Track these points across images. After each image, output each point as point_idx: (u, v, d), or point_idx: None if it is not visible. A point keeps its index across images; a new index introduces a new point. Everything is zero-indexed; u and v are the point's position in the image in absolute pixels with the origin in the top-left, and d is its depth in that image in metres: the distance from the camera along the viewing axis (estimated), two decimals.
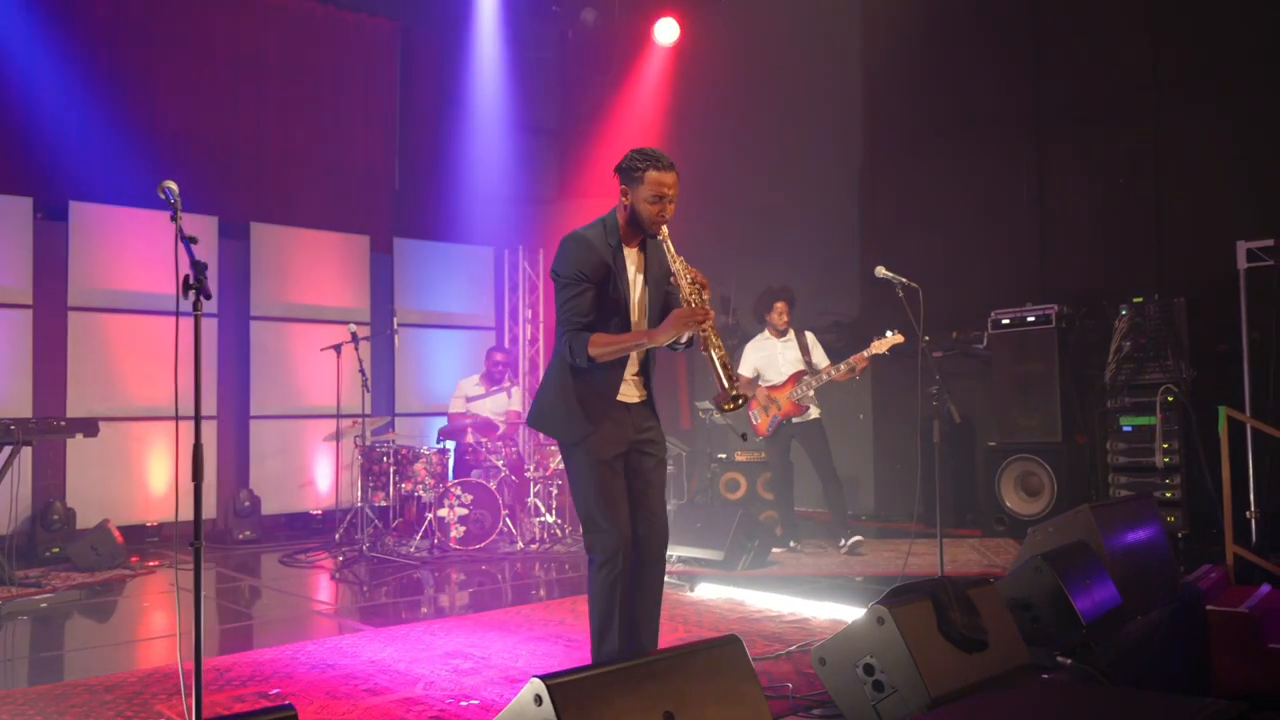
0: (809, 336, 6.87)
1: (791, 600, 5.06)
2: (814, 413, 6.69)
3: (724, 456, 7.55)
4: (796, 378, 6.67)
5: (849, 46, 9.11)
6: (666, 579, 5.90)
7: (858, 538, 6.56)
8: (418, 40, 9.11)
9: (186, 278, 2.70)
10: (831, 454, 6.71)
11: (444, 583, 6.25)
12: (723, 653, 2.39)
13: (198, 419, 2.79)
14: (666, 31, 8.97)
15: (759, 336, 6.93)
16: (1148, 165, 7.30)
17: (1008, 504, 7.25)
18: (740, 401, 3.22)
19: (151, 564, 6.80)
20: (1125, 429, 6.67)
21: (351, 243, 8.79)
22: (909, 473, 8.30)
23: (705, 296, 3.21)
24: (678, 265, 3.23)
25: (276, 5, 8.58)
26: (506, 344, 9.91)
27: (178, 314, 2.76)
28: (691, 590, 5.52)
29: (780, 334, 6.80)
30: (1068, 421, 7.14)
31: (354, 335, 6.66)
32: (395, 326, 7.58)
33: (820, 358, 6.75)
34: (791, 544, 6.74)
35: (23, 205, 7.16)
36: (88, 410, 7.20)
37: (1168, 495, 6.39)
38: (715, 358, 3.19)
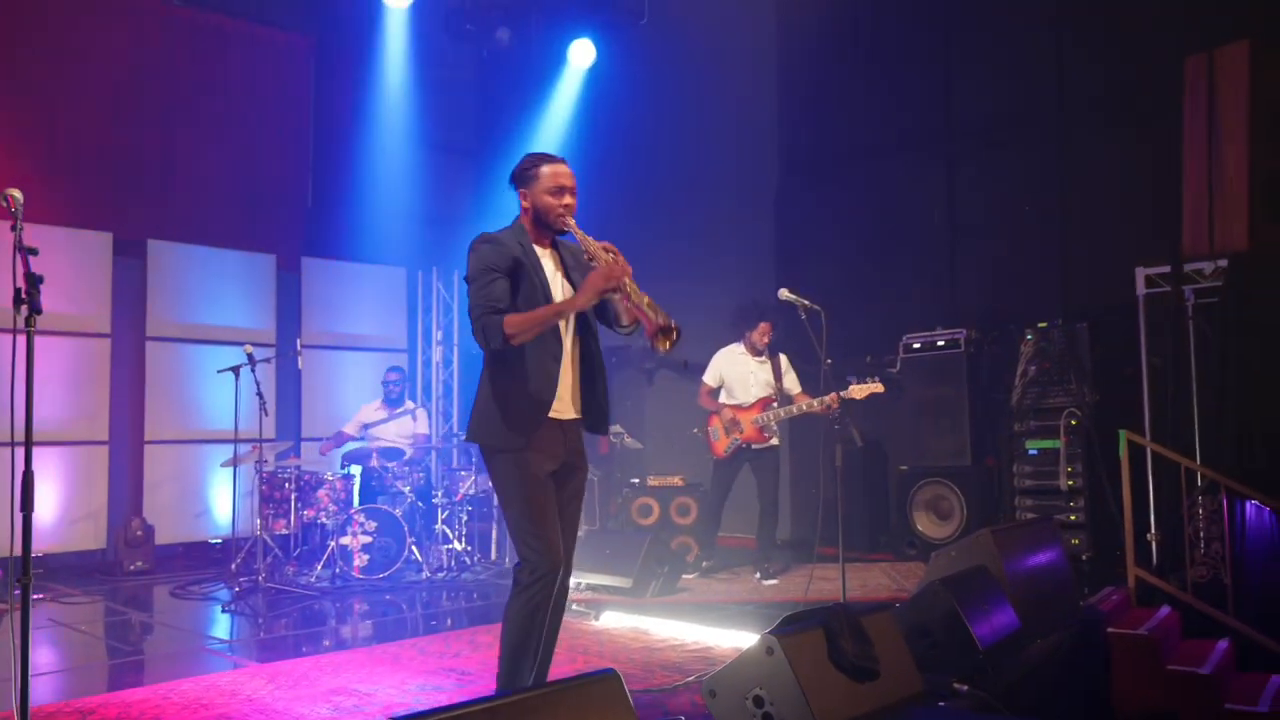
0: (783, 360, 6.63)
1: (696, 629, 4.96)
2: (774, 440, 6.53)
3: (636, 481, 7.44)
4: (764, 403, 6.48)
5: (763, 69, 9.17)
6: (573, 607, 5.78)
7: (775, 581, 6.42)
8: (331, 57, 8.90)
9: (18, 290, 2.51)
10: (780, 486, 6.60)
11: (341, 614, 6.01)
12: (598, 688, 2.27)
13: (28, 444, 2.58)
14: (582, 53, 8.92)
15: (732, 349, 6.67)
16: (1052, 189, 7.46)
17: (919, 527, 7.28)
18: (675, 334, 3.05)
19: (33, 595, 6.41)
20: (1030, 452, 6.75)
21: (257, 261, 8.51)
22: (827, 497, 8.32)
23: (619, 259, 3.11)
24: (590, 245, 3.14)
25: (186, 17, 8.31)
26: (420, 367, 9.70)
27: (17, 331, 2.55)
28: (596, 619, 5.39)
29: (757, 353, 6.60)
30: (977, 445, 7.21)
31: (250, 357, 6.41)
32: (299, 348, 7.33)
33: (791, 384, 6.56)
34: (705, 564, 6.65)
35: None
36: None
37: (1071, 518, 6.47)
38: (639, 301, 3.05)
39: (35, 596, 6.42)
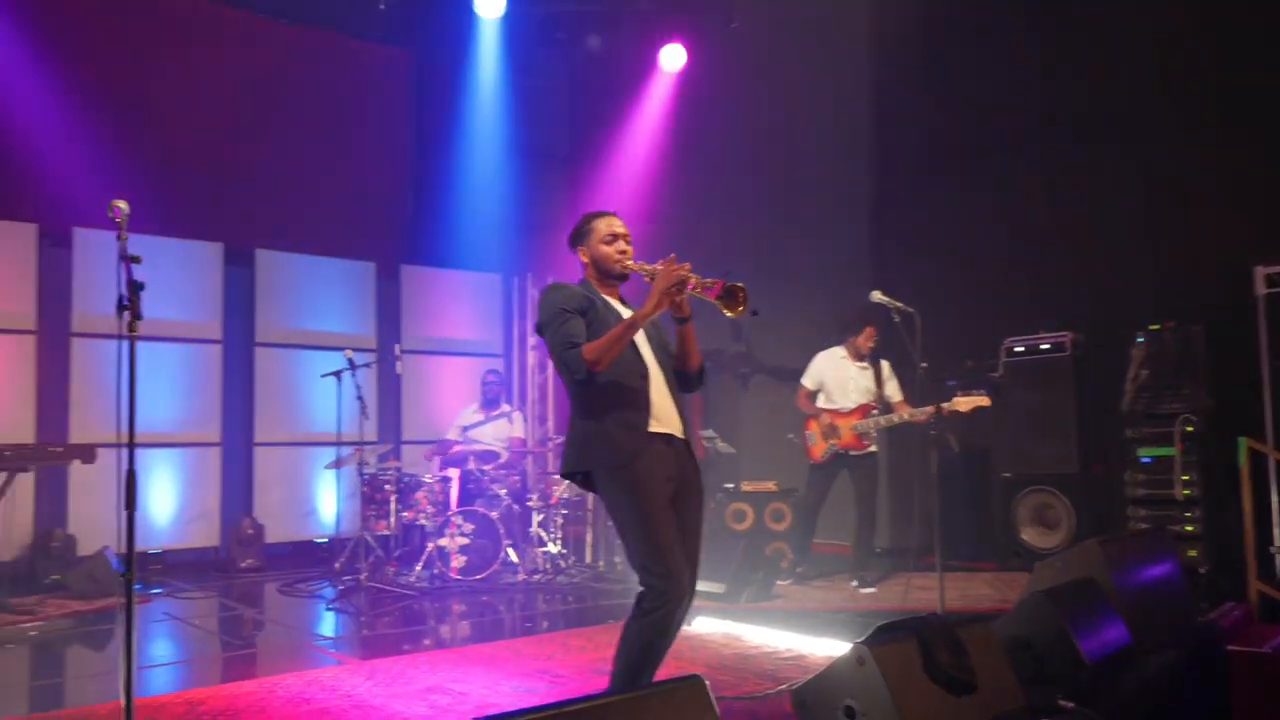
0: (885, 367, 6.54)
1: (790, 636, 4.89)
2: (873, 447, 6.44)
3: (730, 486, 7.39)
4: (864, 410, 6.40)
5: (857, 69, 9.00)
6: None
7: (872, 589, 6.30)
8: (430, 69, 9.12)
9: (120, 296, 2.61)
10: (878, 494, 6.47)
11: (439, 614, 6.12)
12: (683, 693, 2.24)
13: (131, 445, 2.69)
14: (673, 58, 8.90)
15: (834, 352, 6.62)
16: (1164, 185, 7.12)
17: (1024, 537, 7.04)
18: (741, 294, 3.02)
19: (151, 590, 6.73)
20: (1144, 460, 6.45)
21: (358, 269, 8.76)
22: (926, 504, 8.13)
23: (683, 266, 3.06)
24: (649, 267, 3.12)
25: (294, 35, 8.61)
26: (515, 371, 9.83)
27: (122, 336, 2.67)
28: (690, 624, 5.35)
29: (860, 358, 6.54)
30: (1085, 452, 6.94)
31: (350, 361, 6.59)
32: (398, 353, 7.50)
33: (893, 391, 6.47)
34: (798, 569, 6.56)
35: (26, 231, 7.18)
36: (90, 436, 7.18)
37: (1188, 529, 6.16)
38: (706, 286, 3.05)
39: (154, 591, 6.75)
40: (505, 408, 8.00)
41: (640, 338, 3.18)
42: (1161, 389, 6.42)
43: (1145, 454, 6.44)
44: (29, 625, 5.54)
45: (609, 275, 3.25)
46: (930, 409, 5.77)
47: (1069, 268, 7.66)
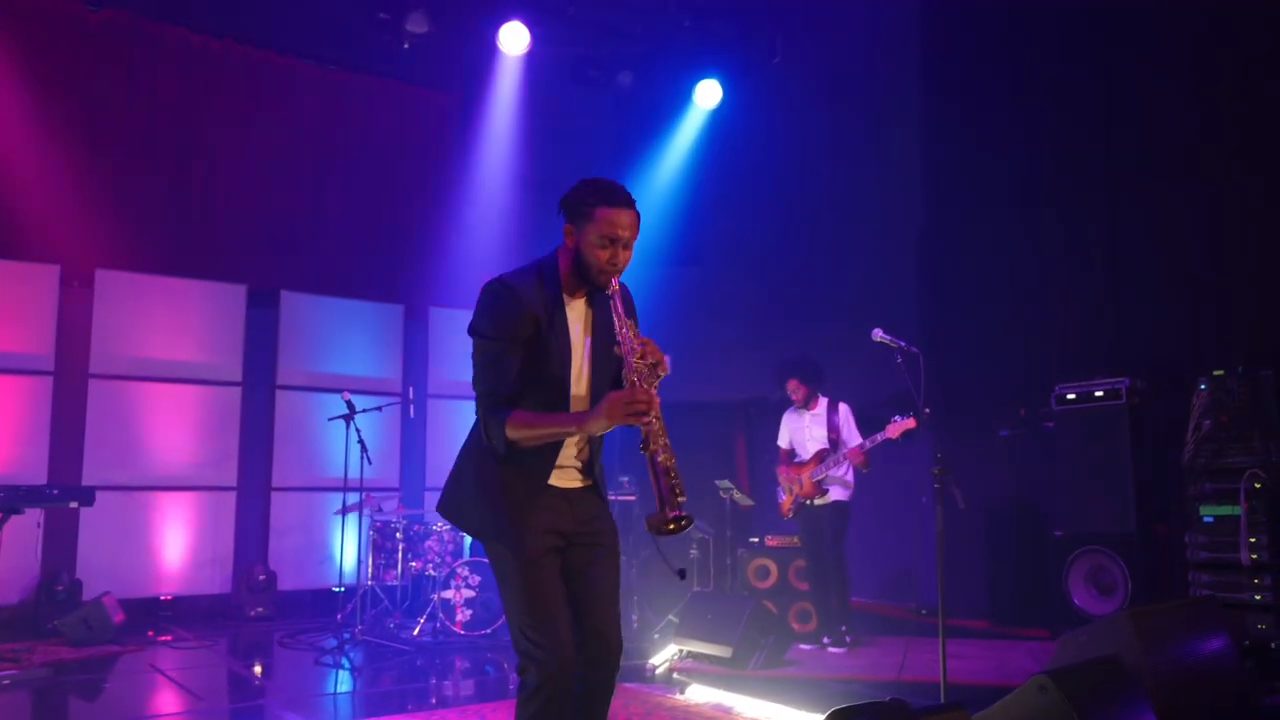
0: (842, 411, 6.35)
1: (786, 711, 4.41)
2: (834, 494, 6.16)
3: (755, 541, 6.95)
4: (819, 456, 6.22)
5: (906, 106, 8.62)
6: (670, 676, 5.34)
7: (839, 650, 6.01)
8: (457, 109, 9.02)
9: None
10: (841, 541, 6.16)
11: (431, 671, 5.79)
12: None
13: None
14: (708, 94, 8.62)
15: (792, 407, 6.50)
16: (1230, 225, 6.53)
17: (1077, 602, 6.43)
18: (680, 524, 2.47)
19: (160, 637, 6.56)
20: (1205, 519, 5.81)
21: (385, 312, 8.62)
22: (970, 562, 7.55)
23: (657, 375, 2.58)
24: (627, 330, 2.60)
25: (317, 75, 8.57)
26: None
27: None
28: (682, 693, 4.91)
29: (808, 408, 6.31)
30: (1143, 510, 6.32)
31: (349, 405, 6.38)
32: (410, 396, 7.28)
33: (851, 435, 6.17)
34: (826, 640, 6.07)
35: (48, 273, 7.20)
36: (103, 479, 7.10)
37: (1256, 598, 5.49)
38: (658, 462, 2.50)
39: (163, 639, 6.58)
40: None
41: (579, 351, 2.71)
42: (1227, 441, 5.78)
43: (1208, 513, 5.79)
44: (5, 674, 5.37)
45: (585, 280, 2.70)
46: (863, 444, 6.00)
47: (1126, 308, 7.08)
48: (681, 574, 2.74)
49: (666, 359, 2.64)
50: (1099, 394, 6.57)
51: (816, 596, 6.25)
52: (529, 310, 2.62)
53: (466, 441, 2.78)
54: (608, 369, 2.76)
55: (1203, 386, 5.91)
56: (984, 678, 5.14)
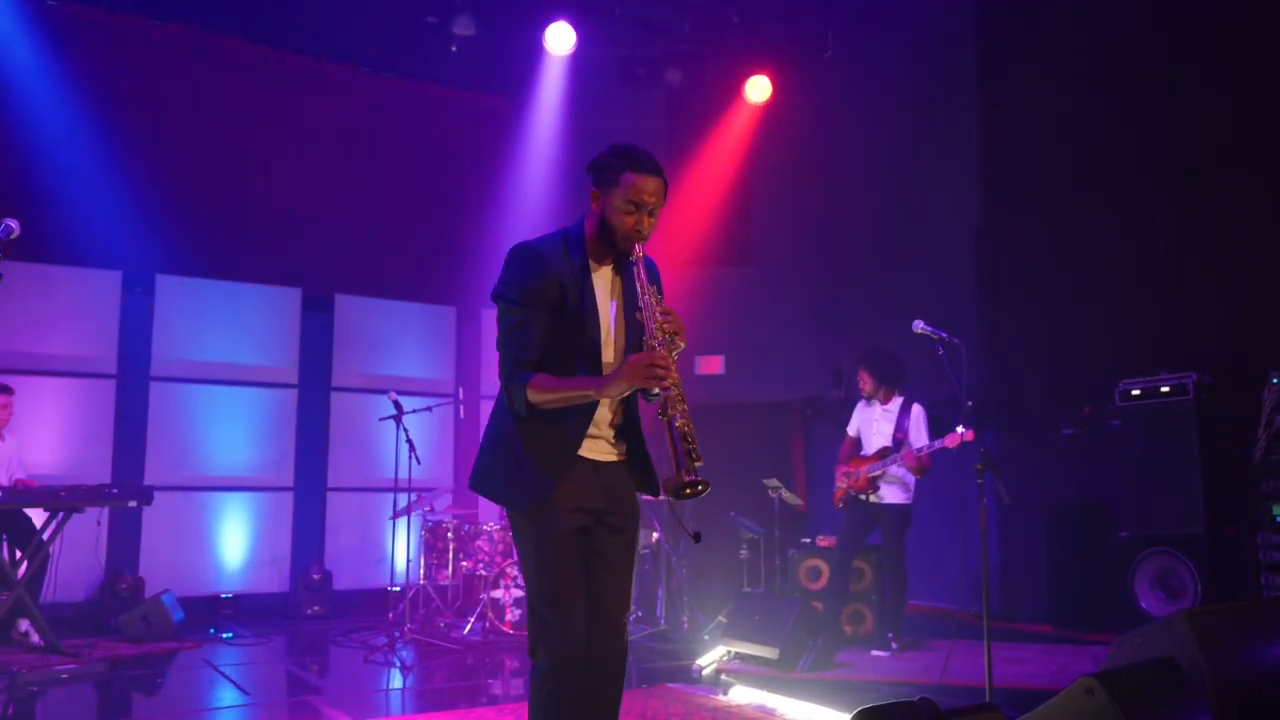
0: (915, 413, 6.10)
1: (828, 713, 4.31)
2: (889, 496, 5.99)
3: (807, 541, 6.83)
4: (881, 453, 6.04)
5: (962, 95, 8.40)
6: (717, 677, 5.26)
7: (884, 654, 5.84)
8: (508, 112, 9.04)
9: None
10: (899, 545, 5.98)
11: (479, 670, 5.79)
12: None
13: None
14: (758, 90, 8.52)
15: (865, 399, 6.34)
16: None
17: (1144, 605, 6.19)
18: (697, 489, 2.43)
19: (221, 635, 6.69)
20: (1279, 518, 5.55)
21: (437, 313, 8.69)
22: (1033, 564, 7.33)
23: (676, 345, 2.55)
24: (649, 297, 2.59)
25: (369, 81, 8.68)
26: None
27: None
28: (725, 694, 4.83)
29: (867, 399, 6.21)
30: (1213, 509, 6.06)
31: (397, 404, 6.42)
32: (460, 397, 7.32)
33: (918, 438, 5.98)
34: (889, 635, 5.94)
35: (111, 279, 7.39)
36: (164, 480, 7.27)
37: None
38: (676, 426, 2.46)
39: (225, 635, 6.71)
40: None
41: (606, 317, 2.68)
42: None
43: None
44: (65, 668, 5.51)
45: (611, 247, 2.67)
46: (919, 449, 5.75)
47: (1193, 300, 6.80)
48: (697, 537, 2.70)
49: (684, 330, 2.60)
50: (1165, 389, 6.32)
51: (832, 596, 6.10)
52: (554, 275, 2.62)
53: (493, 412, 2.76)
54: (635, 337, 2.72)
55: (1275, 380, 5.66)
56: (1038, 682, 4.97)
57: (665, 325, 2.55)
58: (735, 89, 8.59)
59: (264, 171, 8.08)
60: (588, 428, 2.64)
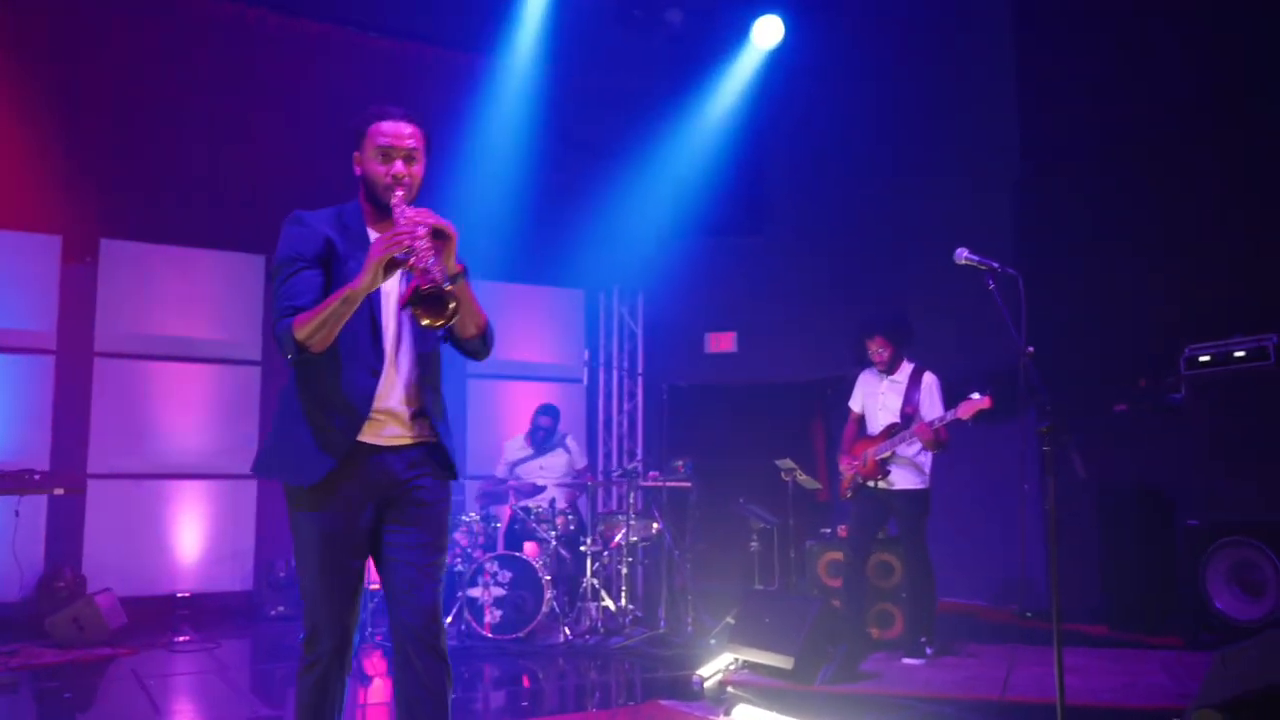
0: (926, 381, 5.29)
1: None
2: (901, 481, 5.19)
3: (827, 532, 6.04)
4: (888, 431, 5.23)
5: (998, 41, 7.59)
6: (721, 691, 4.49)
7: (916, 661, 5.02)
8: (492, 70, 8.22)
9: None
10: (921, 537, 5.18)
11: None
12: None
13: None
14: (768, 32, 7.69)
15: (871, 368, 5.50)
16: None
17: (1218, 604, 5.38)
18: (441, 310, 2.23)
19: (172, 638, 5.97)
20: None
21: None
22: (1083, 557, 6.50)
23: (445, 239, 2.35)
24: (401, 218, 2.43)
25: (356, 41, 7.90)
26: (601, 398, 8.75)
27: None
28: (727, 715, 4.03)
29: (883, 372, 5.34)
30: None
31: None
32: None
33: (932, 408, 5.17)
34: (925, 645, 5.12)
35: (49, 244, 6.68)
36: (110, 467, 6.56)
37: None
38: (423, 271, 2.27)
39: (178, 639, 6.00)
40: (558, 441, 6.99)
41: (389, 302, 2.54)
42: None
43: None
44: None
45: (383, 208, 2.52)
46: (931, 421, 5.04)
47: (1269, 254, 5.94)
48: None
49: (448, 225, 2.37)
50: (1239, 354, 5.51)
51: (851, 598, 5.29)
52: (322, 233, 2.53)
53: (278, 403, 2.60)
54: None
55: None
56: (1107, 698, 4.14)
57: (417, 218, 2.36)
58: (742, 31, 7.75)
59: (221, 129, 7.29)
60: (367, 409, 2.46)
